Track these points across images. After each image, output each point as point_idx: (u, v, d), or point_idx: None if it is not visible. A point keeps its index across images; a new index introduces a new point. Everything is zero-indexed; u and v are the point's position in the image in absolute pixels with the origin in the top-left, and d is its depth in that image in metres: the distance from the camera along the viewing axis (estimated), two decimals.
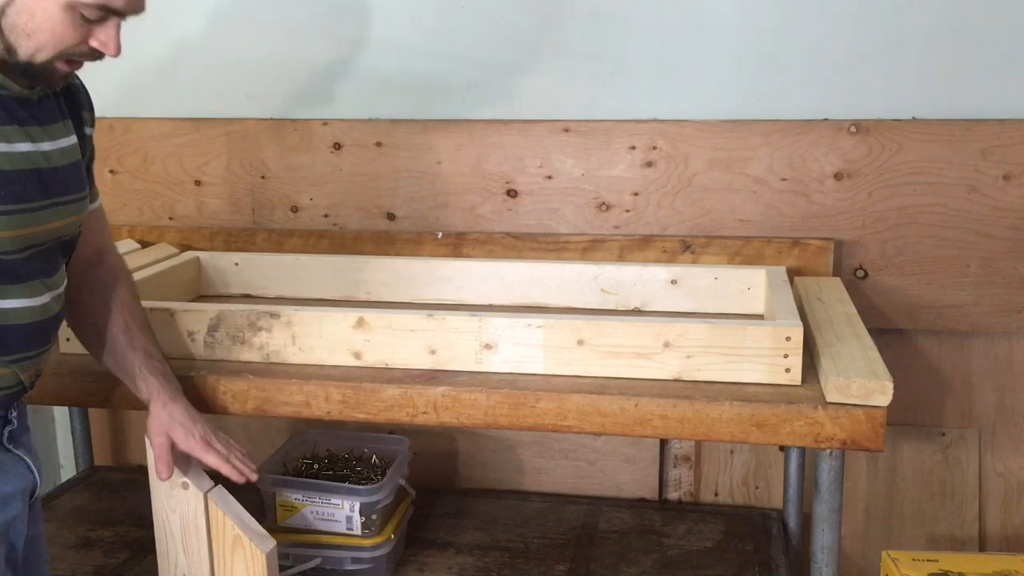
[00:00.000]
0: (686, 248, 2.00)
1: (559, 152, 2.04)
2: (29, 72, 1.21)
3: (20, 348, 1.27)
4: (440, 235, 2.08)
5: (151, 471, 1.46)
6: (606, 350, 1.47)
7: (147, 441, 1.44)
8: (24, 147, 1.23)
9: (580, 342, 1.47)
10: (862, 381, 1.35)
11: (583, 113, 2.04)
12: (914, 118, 1.94)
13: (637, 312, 1.86)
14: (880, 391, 1.35)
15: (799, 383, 1.43)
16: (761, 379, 1.44)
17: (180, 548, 1.48)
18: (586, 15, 2.00)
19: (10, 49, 1.19)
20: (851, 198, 1.96)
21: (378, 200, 2.12)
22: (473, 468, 2.22)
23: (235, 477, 1.40)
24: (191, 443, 1.38)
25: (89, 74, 2.24)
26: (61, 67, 1.23)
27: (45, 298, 1.28)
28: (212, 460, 1.39)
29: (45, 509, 2.12)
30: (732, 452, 2.15)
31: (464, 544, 1.96)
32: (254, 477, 1.42)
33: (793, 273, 1.92)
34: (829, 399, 1.36)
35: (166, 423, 1.39)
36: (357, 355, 1.54)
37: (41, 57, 1.20)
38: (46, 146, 1.27)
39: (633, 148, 2.01)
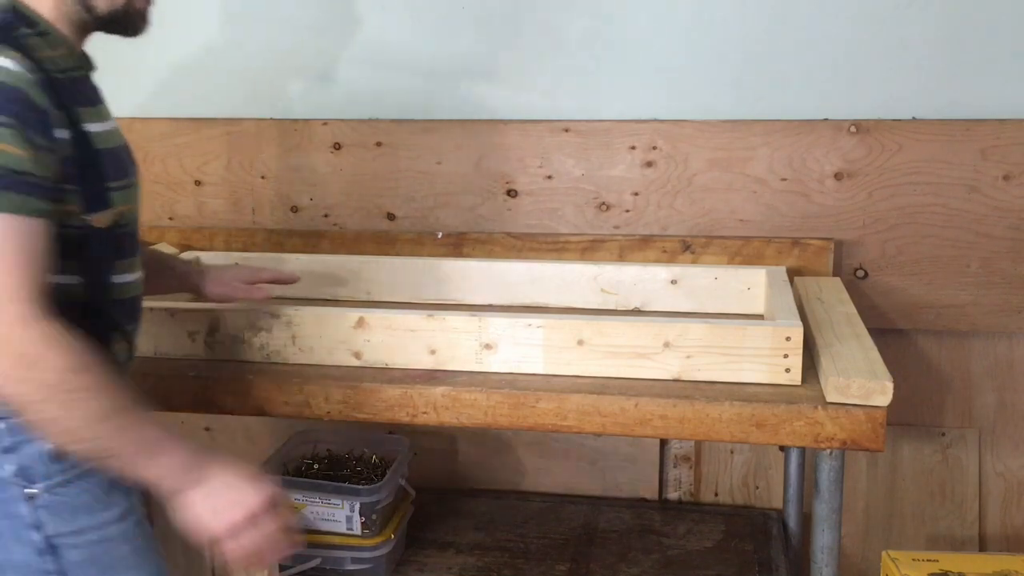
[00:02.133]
0: (686, 248, 2.00)
1: (559, 152, 2.04)
2: (114, 21, 1.25)
3: (135, 320, 1.31)
4: (440, 235, 2.08)
5: None
6: (606, 350, 1.47)
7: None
8: (111, 124, 1.29)
9: (580, 342, 1.47)
10: (862, 381, 1.35)
11: (583, 113, 2.04)
12: (914, 118, 1.94)
13: (637, 312, 1.85)
14: (880, 391, 1.35)
15: (799, 383, 1.43)
16: (761, 379, 1.43)
17: (180, 548, 1.48)
18: (586, 15, 2.00)
19: (89, 6, 1.22)
20: (851, 198, 1.96)
21: (378, 200, 2.12)
22: (473, 468, 2.22)
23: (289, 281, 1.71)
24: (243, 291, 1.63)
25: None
26: (140, 5, 1.26)
27: (141, 272, 1.33)
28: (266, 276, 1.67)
29: None
30: (732, 452, 2.15)
31: (464, 544, 1.96)
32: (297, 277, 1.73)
33: (793, 273, 1.92)
34: (829, 399, 1.36)
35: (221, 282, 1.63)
36: (357, 355, 1.54)
37: (120, 1, 1.23)
38: (115, 122, 1.32)
39: (633, 148, 2.01)
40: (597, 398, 1.41)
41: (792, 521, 2.02)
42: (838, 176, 1.96)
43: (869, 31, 1.93)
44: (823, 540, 1.43)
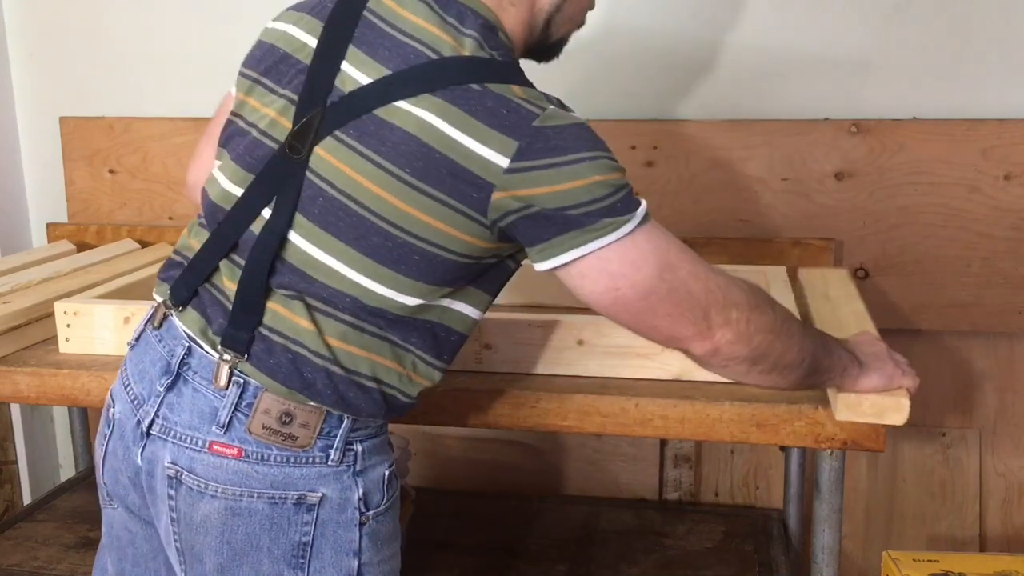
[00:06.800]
0: None
1: None
2: (544, 47, 1.24)
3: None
4: None
5: None
6: (606, 350, 1.46)
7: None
8: None
9: (580, 342, 1.47)
10: (875, 398, 1.26)
11: (583, 113, 2.02)
12: (914, 118, 1.94)
13: None
14: (895, 409, 1.25)
15: None
16: None
17: None
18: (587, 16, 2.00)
19: (549, 34, 1.22)
20: (851, 198, 1.96)
21: None
22: (473, 468, 2.22)
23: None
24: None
25: (90, 74, 2.23)
26: (567, 31, 1.26)
27: None
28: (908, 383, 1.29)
29: (44, 509, 2.12)
30: (732, 452, 2.15)
31: (464, 544, 1.96)
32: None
33: (794, 272, 1.92)
34: (839, 417, 1.28)
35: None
36: None
37: (564, 30, 1.25)
38: None
39: (633, 148, 2.01)
40: (597, 398, 1.40)
41: (792, 521, 2.01)
42: (838, 176, 1.96)
43: (869, 31, 1.93)
44: (823, 540, 1.42)
